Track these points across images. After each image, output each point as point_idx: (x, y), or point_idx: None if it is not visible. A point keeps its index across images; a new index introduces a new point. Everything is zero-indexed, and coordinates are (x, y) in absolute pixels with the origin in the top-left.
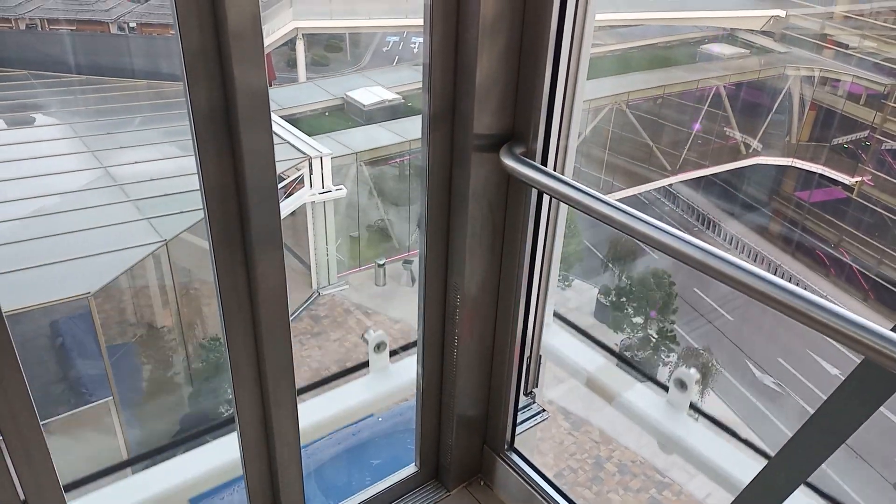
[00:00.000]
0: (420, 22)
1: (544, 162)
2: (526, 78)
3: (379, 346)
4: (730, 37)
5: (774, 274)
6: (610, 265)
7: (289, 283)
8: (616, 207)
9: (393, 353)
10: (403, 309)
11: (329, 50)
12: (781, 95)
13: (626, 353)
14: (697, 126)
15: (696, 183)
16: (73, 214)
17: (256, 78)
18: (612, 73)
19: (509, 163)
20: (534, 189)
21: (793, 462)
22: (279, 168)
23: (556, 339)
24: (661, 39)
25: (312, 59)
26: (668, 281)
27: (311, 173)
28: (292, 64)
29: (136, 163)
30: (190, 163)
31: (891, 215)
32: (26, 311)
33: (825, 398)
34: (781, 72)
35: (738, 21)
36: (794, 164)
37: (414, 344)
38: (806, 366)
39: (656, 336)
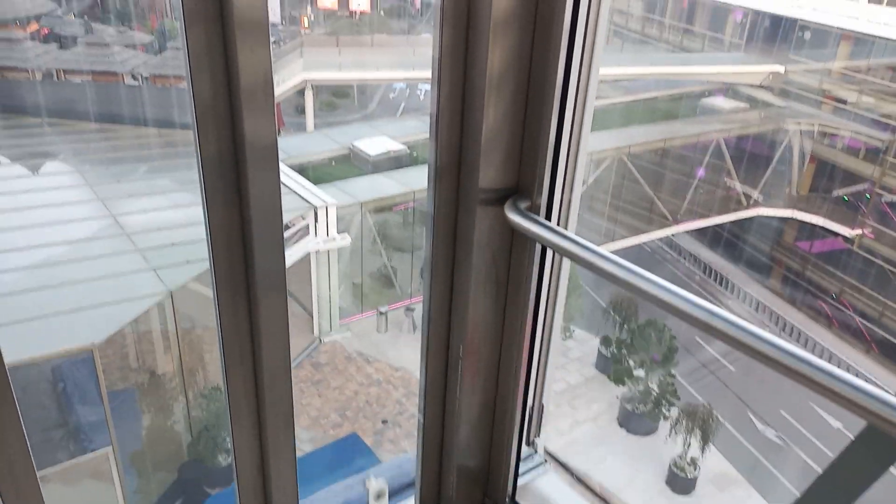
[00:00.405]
0: (426, 74)
1: (548, 216)
2: (531, 131)
3: (379, 496)
4: (730, 91)
5: (776, 325)
6: (611, 312)
7: (291, 329)
8: (619, 265)
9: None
10: (405, 357)
11: (337, 96)
12: (782, 148)
13: (628, 406)
14: (700, 172)
15: (698, 232)
16: (79, 264)
17: (266, 128)
18: (616, 125)
19: (514, 217)
20: (538, 243)
21: None
22: (285, 217)
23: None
24: (663, 93)
25: (321, 105)
26: (668, 334)
27: (316, 222)
28: (301, 109)
29: (144, 211)
30: (197, 212)
31: (892, 268)
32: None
33: (829, 454)
34: (781, 125)
35: (738, 76)
36: (794, 216)
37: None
38: (809, 419)
39: (657, 390)
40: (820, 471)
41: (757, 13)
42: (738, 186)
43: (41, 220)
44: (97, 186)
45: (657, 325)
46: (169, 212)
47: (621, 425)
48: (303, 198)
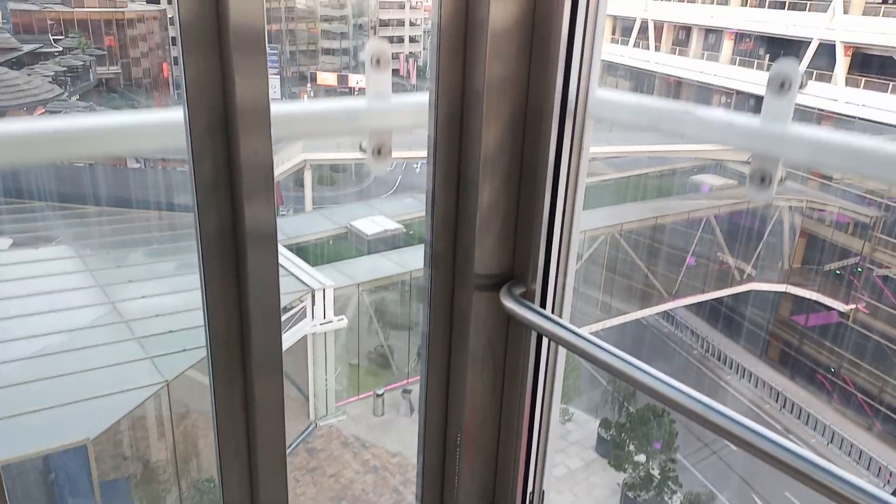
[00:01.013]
0: (421, 154)
1: (543, 303)
2: (525, 213)
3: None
4: (718, 166)
5: (776, 401)
6: (609, 389)
7: (286, 412)
8: (614, 354)
9: None
10: (402, 441)
11: (335, 170)
12: (772, 223)
13: (630, 494)
14: (691, 260)
15: (696, 306)
16: (77, 353)
17: (265, 209)
18: (609, 203)
19: (509, 304)
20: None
21: None
22: (283, 300)
23: None
24: (653, 169)
25: (319, 178)
26: (668, 418)
27: (313, 304)
28: (300, 182)
29: (143, 297)
30: (195, 297)
31: (889, 343)
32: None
33: None
34: (770, 202)
35: (725, 153)
36: (788, 290)
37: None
38: (813, 501)
39: (659, 475)
40: None
41: (741, 94)
42: (732, 261)
43: (41, 308)
44: (98, 272)
45: (656, 409)
46: (168, 297)
47: None
48: (301, 280)
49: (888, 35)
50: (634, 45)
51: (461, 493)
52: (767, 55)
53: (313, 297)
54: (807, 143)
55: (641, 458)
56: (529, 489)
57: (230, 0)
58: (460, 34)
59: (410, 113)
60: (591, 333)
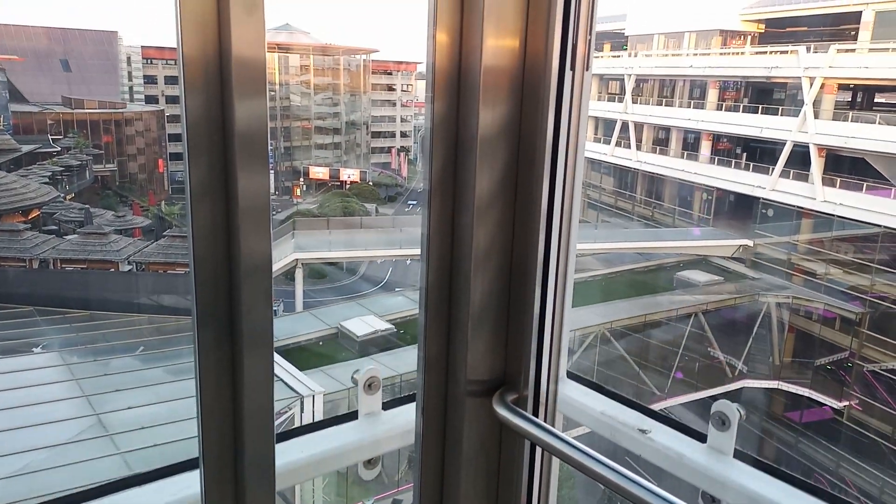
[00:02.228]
0: (412, 252)
1: (535, 409)
2: (516, 311)
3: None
4: (703, 262)
5: None
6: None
7: None
8: (608, 466)
9: None
10: None
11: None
12: (760, 319)
13: None
14: (679, 374)
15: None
16: (59, 472)
17: (262, 311)
18: (597, 299)
19: (502, 412)
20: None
21: None
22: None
23: None
24: (640, 265)
25: (310, 272)
26: None
27: (302, 412)
28: (291, 277)
29: (129, 408)
30: (182, 406)
31: (884, 441)
32: None
33: None
34: (757, 297)
35: (710, 249)
36: (780, 387)
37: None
38: None
39: None
40: None
41: (721, 190)
42: (722, 357)
43: (23, 422)
44: (84, 381)
45: None
46: (155, 407)
47: None
48: (289, 386)
49: (857, 139)
50: (616, 145)
51: None
52: (744, 154)
53: (302, 403)
54: (747, 473)
55: None
56: None
57: (235, 103)
58: (451, 141)
59: (401, 431)
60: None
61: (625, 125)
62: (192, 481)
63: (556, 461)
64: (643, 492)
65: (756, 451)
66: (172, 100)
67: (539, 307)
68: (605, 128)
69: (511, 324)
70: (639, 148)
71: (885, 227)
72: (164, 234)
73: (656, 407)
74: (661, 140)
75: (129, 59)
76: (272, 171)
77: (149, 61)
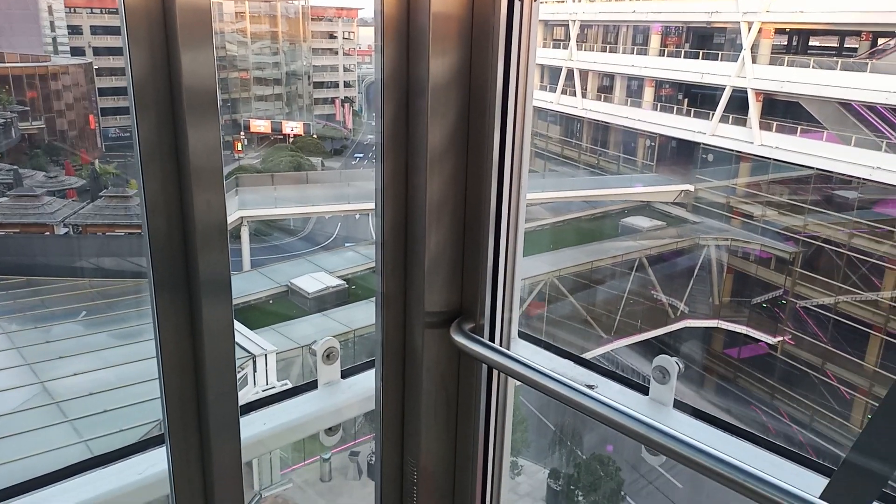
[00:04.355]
0: (362, 206)
1: (492, 336)
2: (471, 255)
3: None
4: (647, 208)
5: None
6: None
7: None
8: (562, 383)
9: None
10: None
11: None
12: (700, 261)
13: None
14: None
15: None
16: (5, 442)
17: (220, 261)
18: (547, 248)
19: (459, 339)
20: (484, 364)
21: None
22: None
23: None
24: (586, 213)
25: (256, 229)
26: (614, 467)
27: (254, 371)
28: (236, 235)
29: (75, 374)
30: (131, 370)
31: (814, 373)
32: None
33: None
34: (697, 241)
35: (653, 195)
36: (719, 326)
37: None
38: None
39: None
40: None
41: (663, 137)
42: (665, 299)
43: None
44: (25, 349)
45: (602, 459)
46: (102, 373)
47: None
48: (241, 346)
49: (792, 83)
50: (562, 92)
51: None
52: (686, 100)
53: (254, 363)
54: (686, 423)
55: None
56: None
57: (182, 55)
58: (402, 91)
59: (360, 399)
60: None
61: (570, 72)
62: (157, 459)
63: (511, 387)
64: (597, 405)
65: (698, 387)
66: (100, 51)
67: (493, 248)
68: (551, 75)
69: (467, 260)
70: (584, 95)
71: (818, 169)
72: (101, 194)
73: (603, 349)
74: (605, 87)
75: (50, 8)
76: None
77: (72, 10)
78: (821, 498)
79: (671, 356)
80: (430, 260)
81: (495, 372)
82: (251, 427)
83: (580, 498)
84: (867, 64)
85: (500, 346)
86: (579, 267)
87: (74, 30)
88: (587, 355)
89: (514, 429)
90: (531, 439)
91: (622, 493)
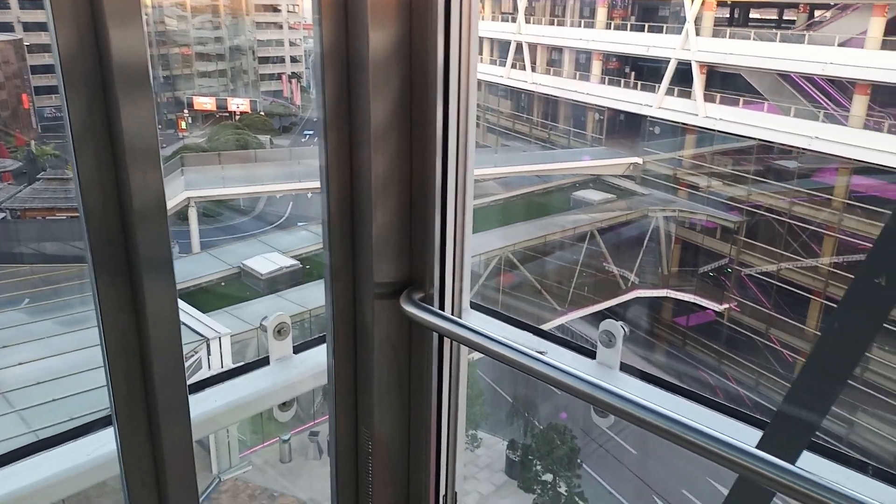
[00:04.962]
0: (313, 185)
1: (442, 306)
2: (419, 228)
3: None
4: (597, 181)
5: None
6: (516, 406)
7: None
8: (512, 348)
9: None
10: (312, 487)
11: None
12: (649, 233)
13: None
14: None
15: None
16: None
17: (161, 246)
18: (500, 222)
19: (409, 308)
20: (435, 333)
21: None
22: None
23: None
24: (538, 187)
25: (205, 210)
26: (569, 435)
27: (209, 354)
28: (184, 217)
29: (20, 364)
30: (79, 359)
31: (758, 338)
32: None
33: None
34: (646, 213)
35: (603, 168)
36: (669, 295)
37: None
38: (707, 494)
39: (566, 493)
40: None
41: (612, 110)
42: (616, 271)
43: None
44: None
45: (558, 428)
46: (49, 361)
47: None
48: (193, 329)
49: (734, 55)
50: (512, 66)
51: (376, 499)
52: (633, 73)
53: (208, 346)
54: (632, 384)
55: (549, 477)
56: (442, 491)
57: (110, 30)
58: (343, 66)
59: (313, 373)
60: None
61: (519, 46)
62: (106, 439)
63: (465, 357)
64: (547, 368)
65: (650, 354)
66: (31, 27)
67: (440, 220)
68: (500, 49)
69: (414, 234)
70: (533, 69)
71: (760, 139)
72: (39, 176)
73: (559, 321)
74: (554, 61)
75: None
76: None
77: None
78: (757, 448)
79: (616, 321)
80: (378, 233)
81: (447, 342)
82: (203, 405)
83: (538, 467)
84: (804, 36)
85: (452, 314)
86: (533, 241)
87: (2, 4)
88: (544, 327)
89: (472, 402)
90: (489, 412)
91: (578, 460)
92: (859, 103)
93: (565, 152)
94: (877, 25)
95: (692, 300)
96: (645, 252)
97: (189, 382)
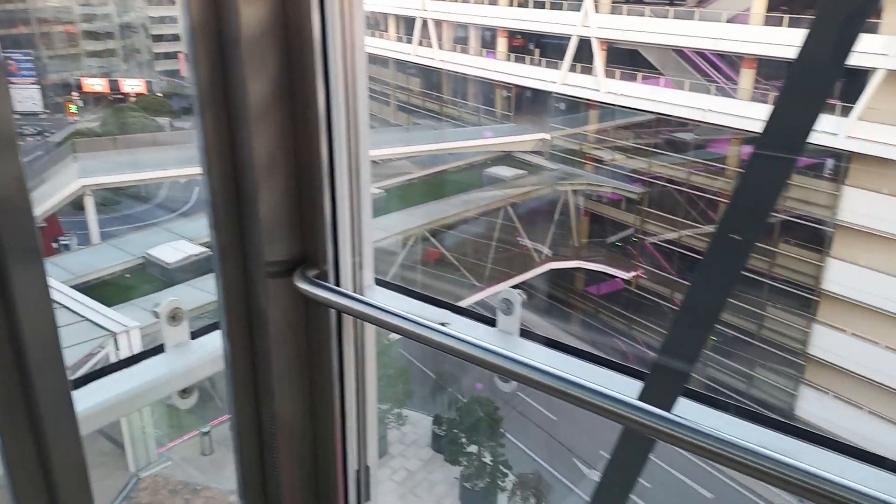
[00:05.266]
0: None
1: (338, 282)
2: (308, 205)
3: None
4: (508, 157)
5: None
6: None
7: (102, 468)
8: (412, 321)
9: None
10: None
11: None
12: (559, 206)
13: (467, 485)
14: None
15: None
16: None
17: (30, 254)
18: (416, 201)
19: (303, 286)
20: (333, 309)
21: None
22: (80, 350)
23: None
24: (451, 165)
25: (104, 199)
26: (492, 406)
27: (117, 349)
28: (79, 206)
29: None
30: None
31: (664, 302)
32: None
33: (646, 485)
34: (555, 187)
35: (513, 145)
36: (580, 266)
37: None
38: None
39: (491, 462)
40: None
41: (518, 87)
42: (530, 244)
43: None
44: None
45: (481, 400)
46: None
47: None
48: (98, 324)
49: (631, 32)
50: (419, 44)
51: (283, 482)
52: (538, 50)
53: (116, 341)
54: (532, 349)
55: (474, 448)
56: (355, 466)
57: None
58: (214, 43)
59: (212, 358)
60: None
61: (426, 23)
62: None
63: (370, 333)
64: (449, 339)
65: (564, 324)
66: None
67: (329, 192)
68: (407, 26)
69: (306, 211)
70: (440, 47)
71: (658, 113)
72: None
73: (477, 297)
74: (461, 38)
75: None
76: (37, 86)
77: None
78: (640, 399)
79: (514, 290)
80: (267, 211)
81: (348, 319)
82: (94, 397)
83: (463, 439)
84: (694, 12)
85: (354, 292)
86: (449, 219)
87: None
88: (463, 303)
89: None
90: (414, 389)
91: (501, 429)
92: (747, 76)
93: (476, 129)
94: (759, 1)
95: (602, 269)
96: (556, 225)
97: (78, 375)
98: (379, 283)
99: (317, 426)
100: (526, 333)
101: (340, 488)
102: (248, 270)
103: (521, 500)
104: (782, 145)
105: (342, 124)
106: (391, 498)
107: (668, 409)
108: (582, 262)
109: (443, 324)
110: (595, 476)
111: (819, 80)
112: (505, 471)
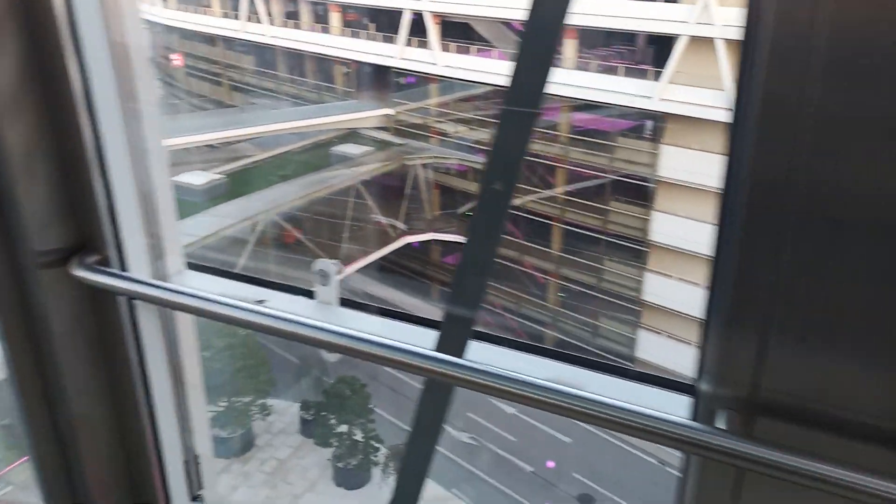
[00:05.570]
0: None
1: (124, 268)
2: (80, 191)
3: None
4: (354, 135)
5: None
6: (304, 366)
7: None
8: (219, 302)
9: None
10: None
11: None
12: (410, 181)
13: (339, 465)
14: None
15: (366, 269)
16: None
17: None
18: (262, 185)
19: (81, 273)
20: (125, 296)
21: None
22: None
23: None
24: (296, 146)
25: None
26: (359, 384)
27: None
28: None
29: None
30: None
31: (517, 266)
32: None
33: (511, 438)
34: (404, 162)
35: (358, 122)
36: (435, 238)
37: None
38: (490, 412)
39: (363, 439)
40: (506, 454)
41: (357, 62)
42: (384, 220)
43: None
44: None
45: (347, 379)
46: None
47: (339, 485)
48: None
49: (461, 5)
50: (248, 20)
51: (91, 482)
52: (374, 24)
53: None
54: (351, 316)
55: (344, 428)
56: (180, 458)
57: None
58: None
59: None
60: None
61: None
62: None
63: (185, 320)
64: (265, 318)
65: (425, 296)
66: None
67: (101, 177)
68: (233, 1)
69: (81, 200)
70: (271, 23)
71: (494, 85)
72: None
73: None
74: (292, 13)
75: None
76: None
77: None
78: (437, 350)
79: (329, 260)
80: (30, 200)
81: (146, 306)
82: None
83: (332, 420)
84: None
85: (159, 280)
86: (299, 200)
87: None
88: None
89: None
90: (277, 377)
91: (370, 405)
92: (569, 46)
93: (318, 108)
94: None
95: (457, 240)
96: (409, 200)
97: None
98: (194, 267)
99: (123, 421)
100: (346, 302)
101: (157, 481)
102: (18, 263)
103: (394, 470)
104: (523, 101)
105: (111, 105)
106: (263, 490)
107: (460, 354)
108: (436, 233)
109: (259, 302)
110: (464, 438)
111: (545, 42)
112: (377, 445)
